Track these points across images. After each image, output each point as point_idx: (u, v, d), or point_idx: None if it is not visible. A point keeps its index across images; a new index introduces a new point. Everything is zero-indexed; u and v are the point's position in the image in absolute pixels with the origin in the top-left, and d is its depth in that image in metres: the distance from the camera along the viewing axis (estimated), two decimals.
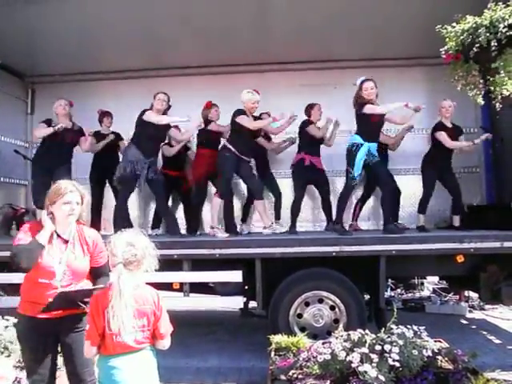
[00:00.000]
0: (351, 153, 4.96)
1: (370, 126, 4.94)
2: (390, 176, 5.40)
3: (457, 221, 5.57)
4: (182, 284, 4.51)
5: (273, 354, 3.27)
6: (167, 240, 4.78)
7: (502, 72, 3.09)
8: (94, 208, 5.77)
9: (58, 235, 2.58)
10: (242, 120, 5.20)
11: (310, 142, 5.67)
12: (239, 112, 5.25)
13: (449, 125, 5.51)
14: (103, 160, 6.03)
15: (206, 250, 4.45)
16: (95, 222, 5.58)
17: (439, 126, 5.50)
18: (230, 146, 5.25)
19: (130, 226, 5.23)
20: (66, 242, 2.58)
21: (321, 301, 4.40)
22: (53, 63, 6.37)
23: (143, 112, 5.26)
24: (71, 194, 2.55)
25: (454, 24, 3.27)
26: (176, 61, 6.38)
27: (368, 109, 4.86)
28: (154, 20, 5.26)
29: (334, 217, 5.41)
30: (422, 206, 5.56)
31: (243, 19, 5.27)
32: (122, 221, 5.12)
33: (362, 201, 6.15)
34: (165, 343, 2.28)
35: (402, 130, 5.98)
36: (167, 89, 5.62)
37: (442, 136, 5.42)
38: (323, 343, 3.10)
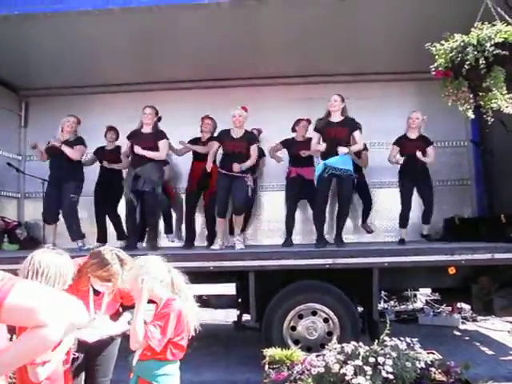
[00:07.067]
0: (314, 171, 5.09)
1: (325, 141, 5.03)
2: (350, 195, 5.26)
3: (426, 229, 5.69)
4: None
5: (267, 367, 3.25)
6: (161, 253, 4.75)
7: (493, 89, 3.16)
8: (98, 219, 6.03)
9: None
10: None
11: (296, 156, 5.71)
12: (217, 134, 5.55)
13: (413, 136, 5.52)
14: (106, 178, 6.10)
15: (199, 263, 4.46)
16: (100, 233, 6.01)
17: (397, 140, 5.58)
18: (219, 167, 5.40)
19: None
20: None
21: (314, 313, 4.41)
22: (46, 77, 6.39)
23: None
24: None
25: (443, 42, 3.35)
26: (169, 75, 6.42)
27: (312, 133, 5.23)
28: (146, 35, 5.30)
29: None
30: (402, 221, 5.56)
31: (235, 35, 5.31)
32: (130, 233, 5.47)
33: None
34: None
35: (365, 154, 6.02)
36: (160, 102, 5.68)
37: (391, 150, 5.57)
38: (317, 356, 3.09)
